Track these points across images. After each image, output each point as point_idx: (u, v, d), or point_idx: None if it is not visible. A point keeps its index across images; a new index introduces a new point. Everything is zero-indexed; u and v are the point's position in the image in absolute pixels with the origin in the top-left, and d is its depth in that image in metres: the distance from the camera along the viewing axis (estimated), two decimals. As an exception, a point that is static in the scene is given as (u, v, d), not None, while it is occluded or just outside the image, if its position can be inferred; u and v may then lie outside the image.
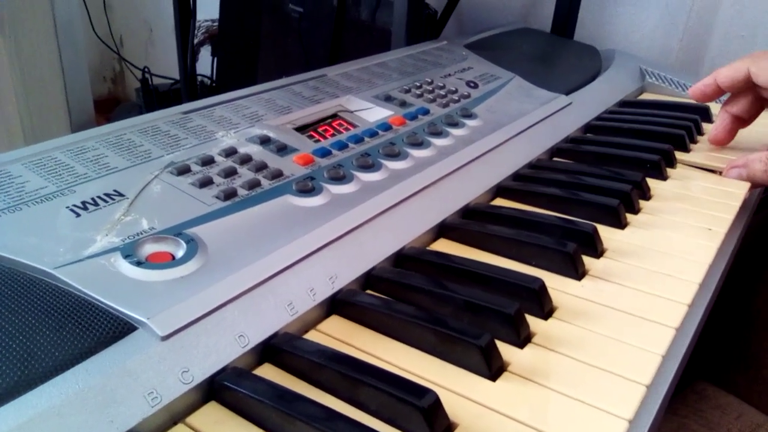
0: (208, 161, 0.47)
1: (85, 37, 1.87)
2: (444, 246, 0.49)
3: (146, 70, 1.67)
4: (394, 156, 0.53)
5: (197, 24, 1.37)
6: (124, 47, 2.13)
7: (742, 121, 0.65)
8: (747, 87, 0.62)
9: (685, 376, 0.68)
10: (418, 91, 0.66)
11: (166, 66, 1.78)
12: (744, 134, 0.67)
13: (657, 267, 0.46)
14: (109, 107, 2.10)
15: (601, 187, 0.55)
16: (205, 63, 1.56)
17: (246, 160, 0.48)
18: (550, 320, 0.41)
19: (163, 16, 1.93)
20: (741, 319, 0.79)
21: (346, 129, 0.57)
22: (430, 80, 0.70)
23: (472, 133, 0.60)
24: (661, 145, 0.64)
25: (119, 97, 2.27)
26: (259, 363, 0.36)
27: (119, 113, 1.92)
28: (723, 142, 0.66)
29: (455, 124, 0.60)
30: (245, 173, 0.47)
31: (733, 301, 0.78)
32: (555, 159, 0.65)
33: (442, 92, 0.67)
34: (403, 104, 0.63)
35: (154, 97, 1.66)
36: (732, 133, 0.66)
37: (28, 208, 0.40)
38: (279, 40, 1.33)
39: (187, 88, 1.37)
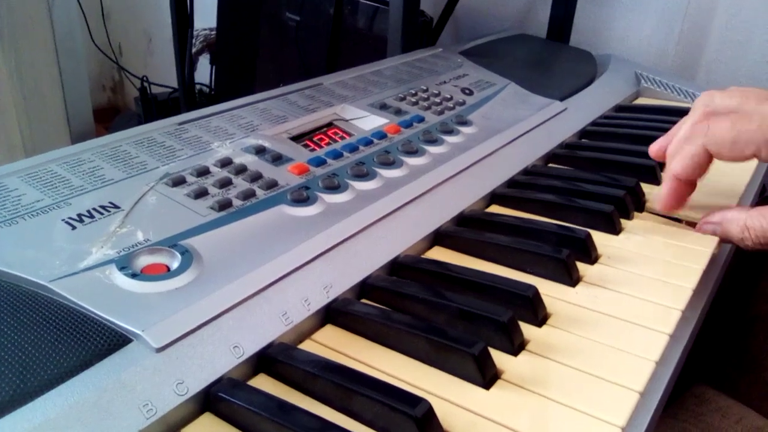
0: (203, 172, 0.48)
1: (84, 47, 1.88)
2: (439, 254, 0.49)
3: (145, 79, 1.68)
4: (389, 164, 0.53)
5: (195, 33, 1.37)
6: (122, 56, 2.14)
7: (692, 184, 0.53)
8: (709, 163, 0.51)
9: (685, 380, 0.68)
10: (413, 99, 0.67)
11: (165, 75, 1.79)
12: (714, 182, 0.56)
13: (651, 273, 0.46)
14: (108, 116, 2.11)
15: (596, 192, 0.55)
16: (203, 71, 1.56)
17: (241, 170, 0.49)
18: (544, 327, 0.41)
19: (161, 26, 1.94)
20: (741, 322, 0.80)
21: (341, 138, 0.57)
22: (425, 88, 0.70)
23: (467, 140, 0.60)
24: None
25: (118, 106, 2.28)
26: (254, 373, 0.36)
27: (118, 122, 1.92)
28: (675, 209, 0.54)
29: (450, 132, 0.61)
30: (240, 183, 0.47)
31: (732, 304, 0.78)
32: (550, 165, 0.65)
33: (438, 99, 0.68)
34: (398, 112, 0.63)
35: (153, 105, 1.67)
36: (683, 198, 0.53)
37: (24, 221, 0.40)
38: (276, 49, 1.34)
39: (185, 97, 1.38)
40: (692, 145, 0.50)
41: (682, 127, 0.53)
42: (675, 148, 0.52)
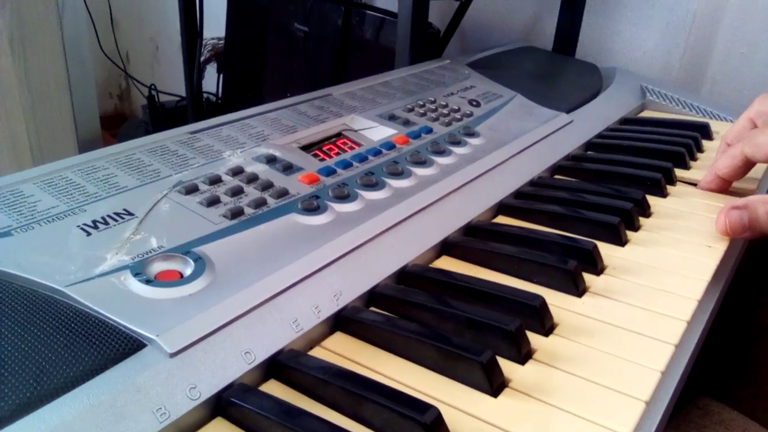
0: (215, 180, 0.48)
1: (92, 54, 1.89)
2: (446, 263, 0.50)
3: (153, 87, 1.69)
4: (398, 174, 0.54)
5: (203, 42, 1.39)
6: (130, 64, 2.16)
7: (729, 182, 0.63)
8: (748, 166, 0.60)
9: (689, 392, 0.68)
10: (421, 110, 0.67)
11: (173, 83, 1.80)
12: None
13: (656, 284, 0.47)
14: (115, 123, 2.12)
15: (602, 204, 0.56)
16: (211, 80, 1.58)
17: (252, 179, 0.49)
18: (550, 337, 0.41)
19: (169, 34, 1.96)
20: (744, 335, 0.80)
21: (351, 148, 0.58)
22: (433, 99, 0.71)
23: (474, 152, 0.61)
24: (661, 163, 0.65)
25: (125, 113, 2.29)
26: (265, 379, 0.37)
27: (126, 130, 1.94)
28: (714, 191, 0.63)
29: (458, 143, 0.61)
30: (252, 192, 0.48)
31: (736, 316, 0.78)
32: (556, 176, 0.66)
33: (445, 111, 0.68)
34: (407, 123, 0.64)
35: (161, 113, 1.68)
36: (722, 187, 0.63)
37: (40, 227, 0.41)
38: (284, 59, 1.35)
39: (193, 105, 1.39)
40: (735, 149, 0.59)
41: (734, 126, 0.63)
42: (723, 149, 0.63)
